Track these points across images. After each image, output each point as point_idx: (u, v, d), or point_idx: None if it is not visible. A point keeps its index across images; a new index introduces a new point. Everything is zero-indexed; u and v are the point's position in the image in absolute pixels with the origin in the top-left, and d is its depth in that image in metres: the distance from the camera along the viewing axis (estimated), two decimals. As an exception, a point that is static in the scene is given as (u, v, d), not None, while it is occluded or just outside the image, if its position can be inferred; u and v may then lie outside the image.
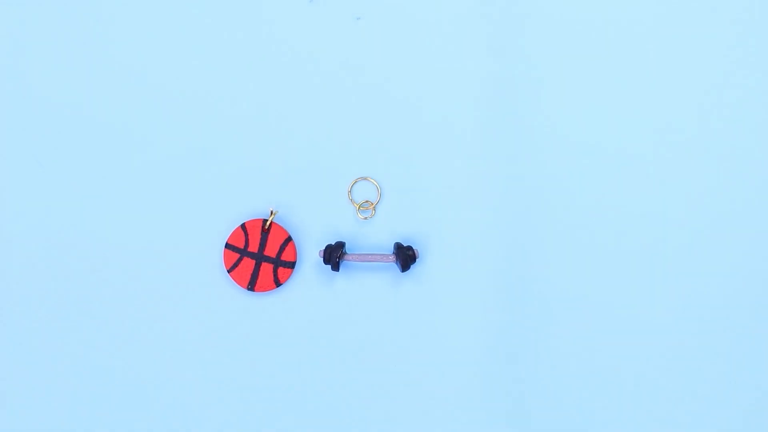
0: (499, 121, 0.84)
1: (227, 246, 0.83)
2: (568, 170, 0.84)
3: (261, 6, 0.85)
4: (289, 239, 0.83)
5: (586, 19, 0.85)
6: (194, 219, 0.83)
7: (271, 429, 0.82)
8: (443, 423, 0.81)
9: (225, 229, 0.83)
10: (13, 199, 0.83)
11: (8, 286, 0.82)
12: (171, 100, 0.84)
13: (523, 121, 0.84)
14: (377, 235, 0.84)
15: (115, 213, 0.83)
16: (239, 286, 0.83)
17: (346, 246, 0.83)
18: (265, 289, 0.83)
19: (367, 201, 0.84)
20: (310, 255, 0.83)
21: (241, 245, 0.83)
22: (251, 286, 0.82)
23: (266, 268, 0.83)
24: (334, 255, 0.81)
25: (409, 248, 0.81)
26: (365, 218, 0.84)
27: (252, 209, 0.84)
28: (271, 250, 0.83)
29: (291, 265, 0.83)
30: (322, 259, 0.82)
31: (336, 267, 0.81)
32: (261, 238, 0.83)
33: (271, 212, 0.83)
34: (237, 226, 0.83)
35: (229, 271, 0.82)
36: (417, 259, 0.82)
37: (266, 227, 0.83)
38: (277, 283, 0.83)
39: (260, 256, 0.83)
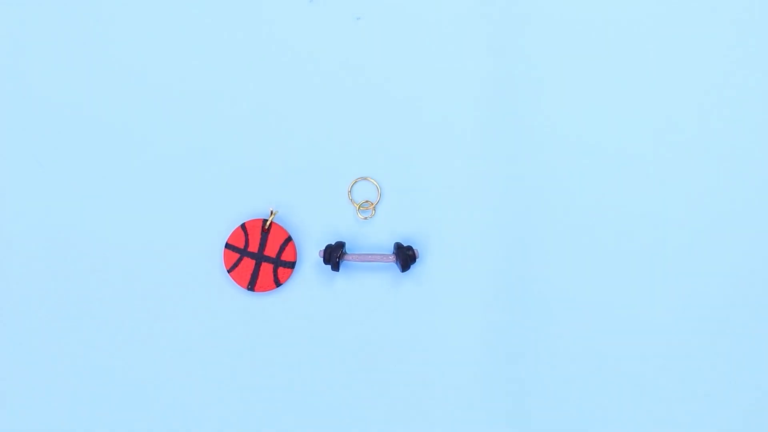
0: (499, 121, 0.84)
1: (227, 246, 0.83)
2: (568, 170, 0.84)
3: (261, 6, 0.85)
4: (289, 239, 0.83)
5: (586, 19, 0.85)
6: (194, 219, 0.83)
7: (271, 429, 0.82)
8: (443, 423, 0.81)
9: (225, 229, 0.83)
10: (13, 199, 0.83)
11: (8, 286, 0.82)
12: (171, 100, 0.84)
13: (523, 121, 0.84)
14: (377, 235, 0.84)
15: (115, 213, 0.83)
16: (239, 286, 0.83)
17: (346, 246, 0.83)
18: (265, 289, 0.83)
19: (367, 201, 0.84)
20: (310, 255, 0.83)
21: (241, 245, 0.83)
22: (251, 286, 0.82)
23: (266, 268, 0.83)
24: (334, 255, 0.81)
25: (409, 248, 0.81)
26: (365, 218, 0.84)
27: (252, 209, 0.84)
28: (271, 250, 0.83)
29: (291, 265, 0.83)
30: (322, 259, 0.82)
31: (336, 267, 0.81)
32: (261, 238, 0.83)
33: (271, 212, 0.83)
34: (237, 226, 0.83)
35: (229, 271, 0.82)
36: (417, 259, 0.82)
37: (266, 227, 0.83)
38: (277, 283, 0.83)
39: (260, 256, 0.83)
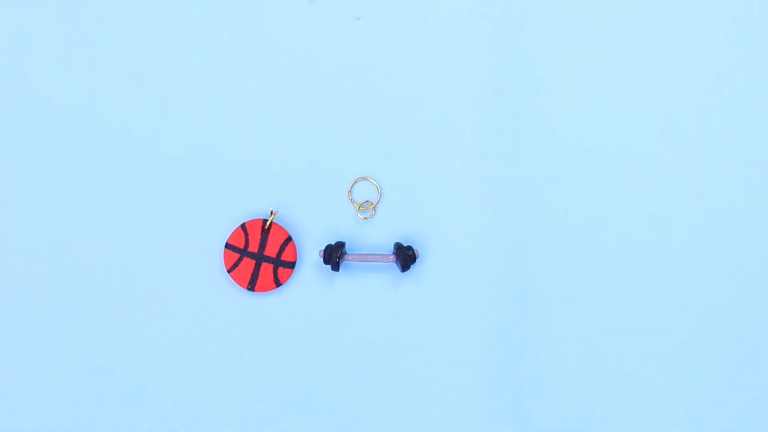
0: (499, 121, 0.84)
1: (227, 246, 0.83)
2: (568, 170, 0.84)
3: (261, 6, 0.85)
4: (289, 239, 0.83)
5: (586, 19, 0.85)
6: (194, 219, 0.83)
7: (271, 429, 0.82)
8: (443, 423, 0.81)
9: (225, 229, 0.83)
10: (13, 199, 0.83)
11: (8, 286, 0.82)
12: (171, 100, 0.84)
13: (523, 121, 0.84)
14: (377, 235, 0.84)
15: (115, 213, 0.83)
16: (239, 286, 0.83)
17: (346, 246, 0.83)
18: (265, 289, 0.83)
19: (367, 201, 0.84)
20: (310, 255, 0.83)
21: (241, 245, 0.83)
22: (251, 286, 0.82)
23: (266, 268, 0.83)
24: (334, 255, 0.81)
25: (409, 248, 0.81)
26: (365, 218, 0.84)
27: (252, 209, 0.84)
28: (271, 250, 0.83)
29: (291, 265, 0.83)
30: (322, 259, 0.82)
31: (336, 267, 0.81)
32: (261, 238, 0.83)
33: (271, 212, 0.83)
34: (237, 226, 0.83)
35: (229, 271, 0.82)
36: (417, 259, 0.82)
37: (266, 227, 0.83)
38: (277, 283, 0.83)
39: (260, 256, 0.83)
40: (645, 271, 0.83)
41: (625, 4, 0.85)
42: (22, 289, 0.82)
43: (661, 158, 0.84)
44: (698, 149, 0.84)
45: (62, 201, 0.83)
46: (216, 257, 0.83)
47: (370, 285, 0.83)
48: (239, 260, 0.82)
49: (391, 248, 0.83)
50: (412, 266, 0.82)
